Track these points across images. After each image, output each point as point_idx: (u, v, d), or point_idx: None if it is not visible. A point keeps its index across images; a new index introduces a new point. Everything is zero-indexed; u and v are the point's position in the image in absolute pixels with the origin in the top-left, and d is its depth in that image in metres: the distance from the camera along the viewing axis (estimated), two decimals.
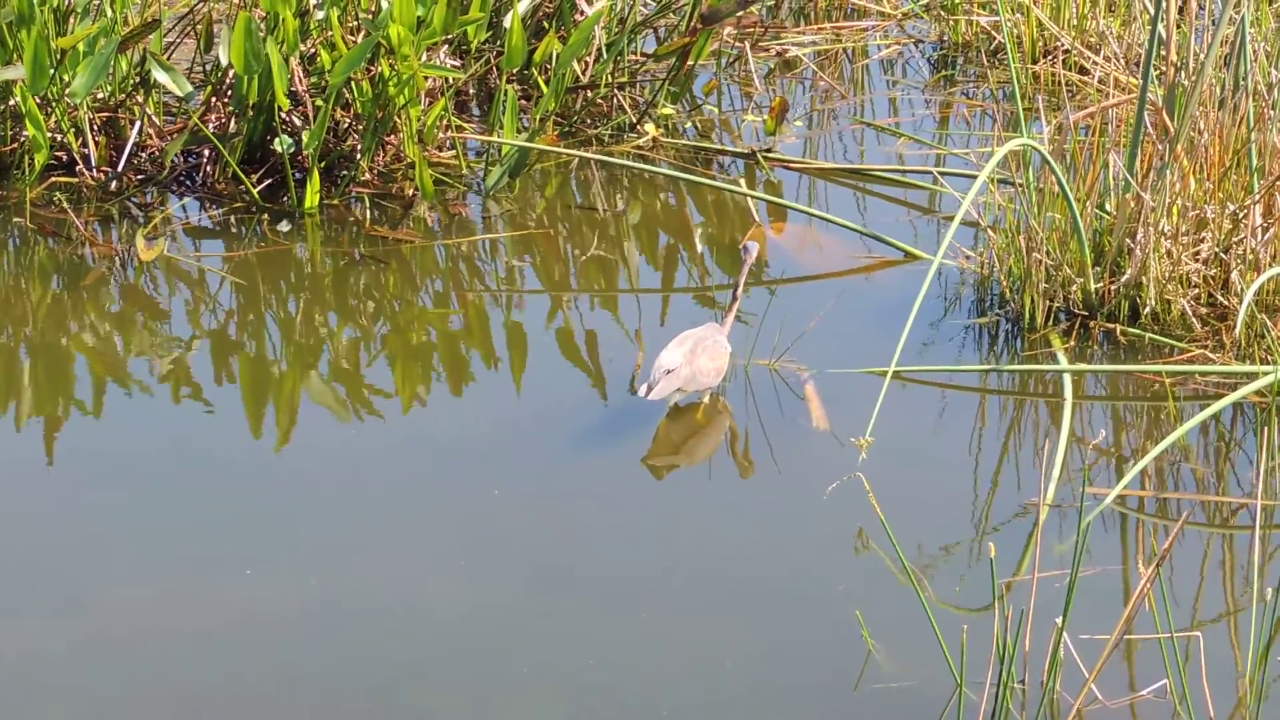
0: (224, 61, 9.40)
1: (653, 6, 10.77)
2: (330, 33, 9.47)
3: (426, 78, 9.48)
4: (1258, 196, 8.19)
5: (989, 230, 8.53)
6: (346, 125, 9.68)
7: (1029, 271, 8.32)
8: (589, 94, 10.45)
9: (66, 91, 9.33)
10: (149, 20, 9.48)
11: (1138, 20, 10.52)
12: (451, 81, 9.82)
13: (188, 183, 9.75)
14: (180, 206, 9.59)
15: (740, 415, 7.75)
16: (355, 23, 9.85)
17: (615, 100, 10.45)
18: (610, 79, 10.43)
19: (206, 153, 9.68)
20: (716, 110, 10.93)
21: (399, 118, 9.54)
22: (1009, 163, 8.53)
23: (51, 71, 9.28)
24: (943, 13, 11.83)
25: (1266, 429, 7.57)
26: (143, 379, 8.12)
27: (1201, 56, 8.31)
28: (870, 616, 6.30)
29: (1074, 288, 8.34)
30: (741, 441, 7.59)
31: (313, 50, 9.67)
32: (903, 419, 7.67)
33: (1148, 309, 8.27)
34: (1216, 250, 8.27)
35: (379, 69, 9.43)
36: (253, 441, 7.62)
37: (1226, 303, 8.25)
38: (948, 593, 6.55)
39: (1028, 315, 8.35)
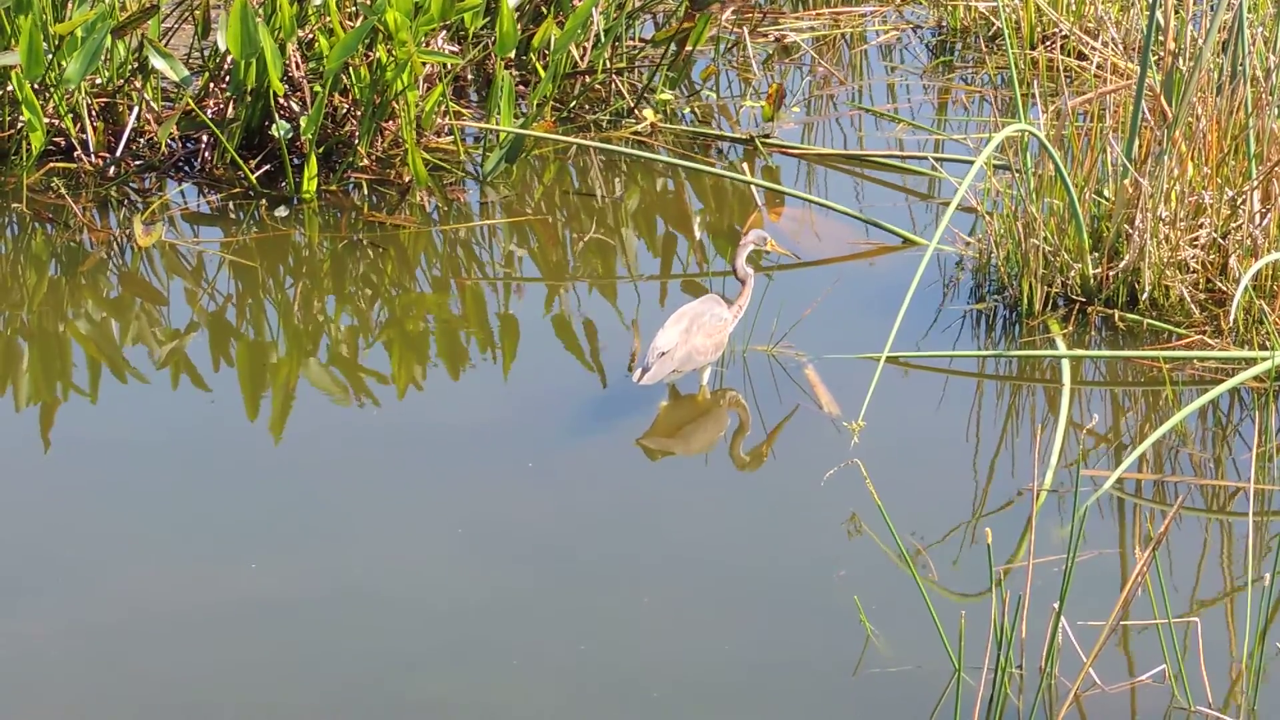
0: (221, 47, 9.40)
1: None
2: (328, 18, 9.46)
3: (424, 63, 9.47)
4: (1256, 182, 8.19)
5: (987, 216, 8.52)
6: (345, 111, 9.68)
7: (1027, 257, 8.32)
8: (587, 79, 10.44)
9: (61, 78, 9.32)
10: (146, 6, 9.48)
11: (1136, 6, 10.51)
12: (449, 67, 9.81)
13: (186, 168, 9.75)
14: (178, 192, 9.58)
15: (738, 404, 7.76)
16: (354, 8, 9.84)
17: (613, 86, 10.44)
18: (608, 64, 10.42)
19: (205, 138, 9.68)
20: (715, 96, 10.93)
21: (397, 103, 9.54)
22: (1007, 148, 8.53)
23: (49, 57, 9.28)
24: None
25: (1263, 414, 7.58)
26: (141, 365, 8.12)
27: (1200, 42, 8.30)
28: (868, 601, 6.30)
29: (1072, 273, 8.34)
30: (744, 435, 7.58)
31: (311, 36, 9.66)
32: (901, 404, 7.67)
33: (1146, 294, 8.27)
34: (1214, 236, 8.27)
35: (377, 54, 9.43)
36: (251, 427, 7.62)
37: (1224, 288, 8.25)
38: (945, 578, 6.55)
39: (1026, 301, 8.35)
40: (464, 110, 10.28)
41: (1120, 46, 10.39)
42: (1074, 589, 5.83)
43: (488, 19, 10.24)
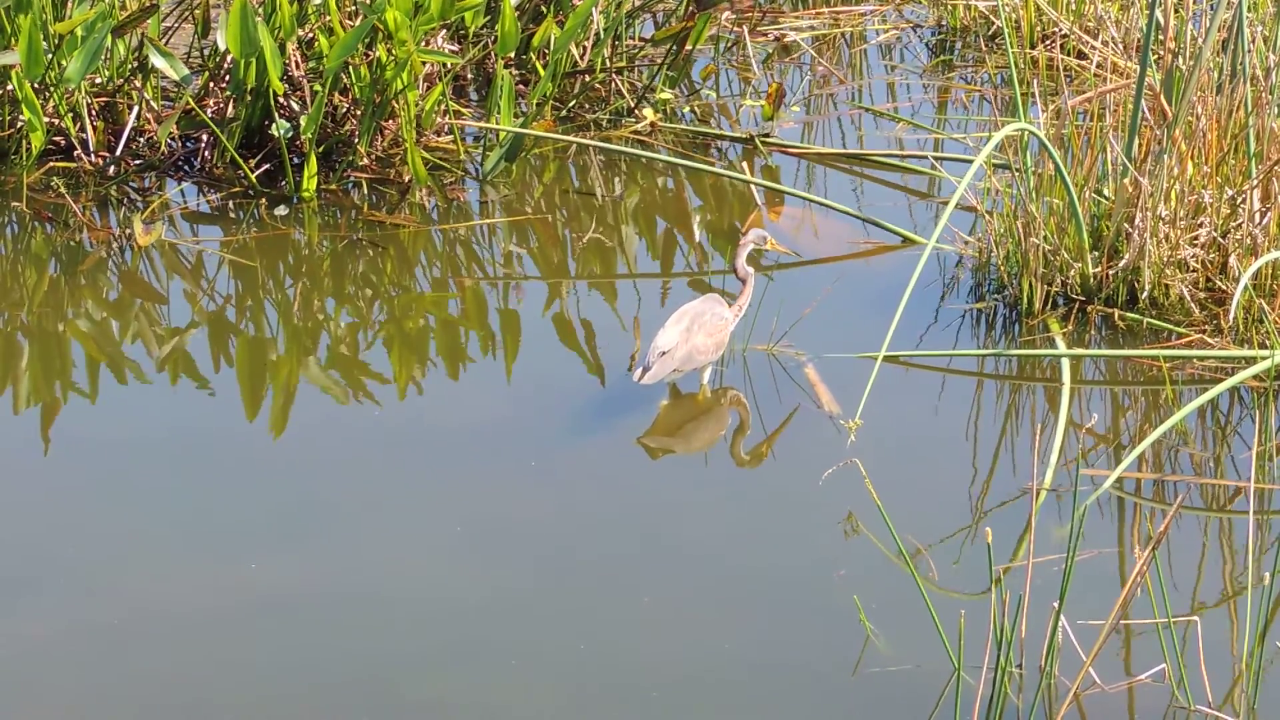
0: (221, 46, 9.40)
1: None
2: (328, 17, 9.46)
3: (424, 62, 9.47)
4: (1255, 181, 8.19)
5: (986, 215, 8.53)
6: (344, 110, 9.68)
7: (1026, 256, 8.32)
8: (587, 78, 10.44)
9: (61, 77, 9.32)
10: (146, 5, 9.48)
11: (1136, 5, 10.51)
12: (449, 66, 9.81)
13: (186, 168, 9.75)
14: (178, 191, 9.58)
15: (739, 402, 7.76)
16: (353, 7, 9.84)
17: (613, 85, 10.44)
18: (608, 63, 10.42)
19: (205, 137, 9.68)
20: (715, 95, 10.93)
21: (396, 102, 9.54)
22: (1007, 147, 8.53)
23: (48, 57, 9.28)
24: None
25: (1263, 413, 7.58)
26: (140, 364, 8.12)
27: (1199, 41, 8.30)
28: (868, 601, 6.30)
29: (1071, 272, 8.35)
30: (744, 434, 7.58)
31: (311, 35, 9.66)
32: (900, 404, 7.67)
33: (1145, 293, 8.27)
34: (1214, 235, 8.27)
35: (376, 54, 9.43)
36: (251, 426, 7.62)
37: (1224, 287, 8.25)
38: (945, 577, 6.55)
39: (1025, 300, 8.35)
40: (464, 109, 10.28)
41: (1120, 45, 10.39)
42: (1074, 588, 5.83)
43: (488, 18, 10.24)
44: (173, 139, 9.75)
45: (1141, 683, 6.00)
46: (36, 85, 9.47)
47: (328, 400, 7.83)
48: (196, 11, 9.86)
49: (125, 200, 9.51)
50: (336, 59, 9.19)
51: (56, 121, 9.61)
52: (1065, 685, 5.94)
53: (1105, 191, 8.44)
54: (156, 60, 9.33)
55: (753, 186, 9.79)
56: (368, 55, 9.52)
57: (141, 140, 9.74)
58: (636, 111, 10.35)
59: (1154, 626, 5.99)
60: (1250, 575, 6.46)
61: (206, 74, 9.71)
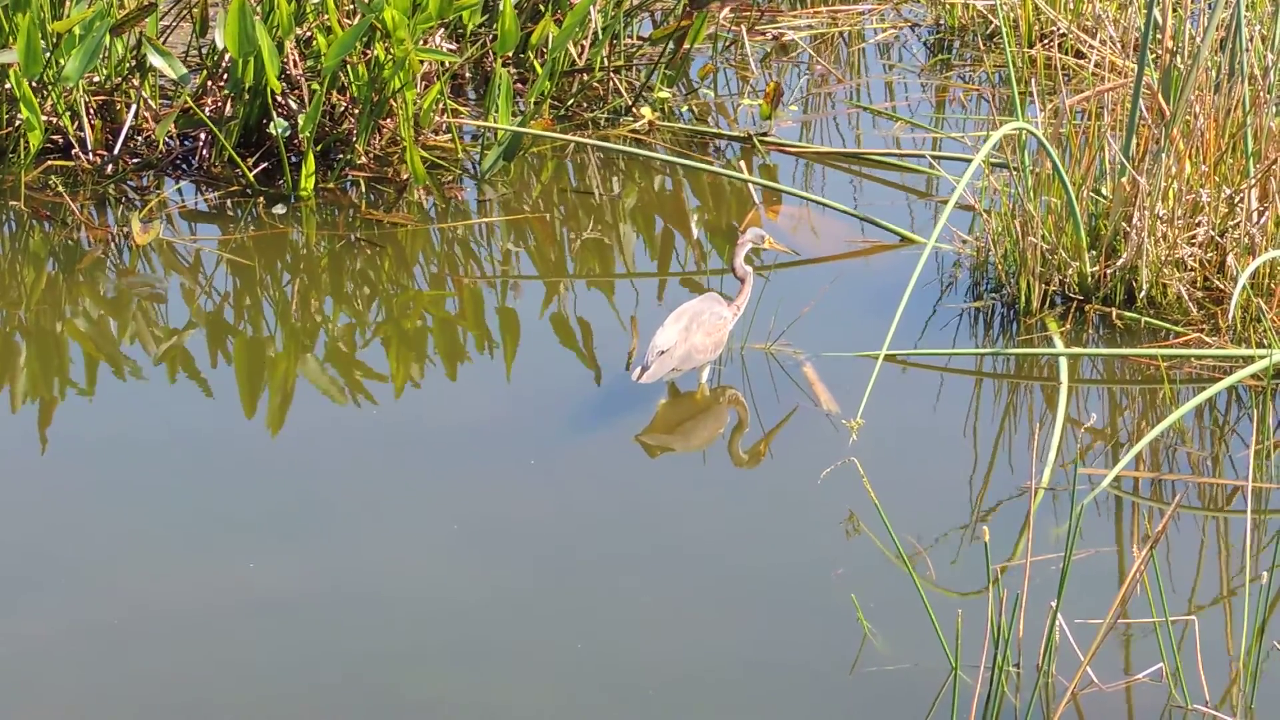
0: (219, 45, 9.40)
1: None
2: (326, 16, 9.47)
3: (422, 61, 9.48)
4: (1253, 180, 8.20)
5: (985, 214, 8.53)
6: (342, 109, 9.68)
7: (1024, 255, 8.33)
8: (585, 77, 10.45)
9: (60, 76, 9.32)
10: (144, 3, 9.48)
11: (1134, 3, 10.52)
12: (447, 65, 9.82)
13: (184, 166, 9.75)
14: (176, 190, 9.59)
15: (737, 401, 7.76)
16: (351, 6, 9.84)
17: (611, 84, 10.45)
18: (606, 62, 10.43)
19: (203, 136, 9.69)
20: (713, 94, 10.93)
21: (394, 101, 9.55)
22: (1005, 146, 8.53)
23: (46, 55, 9.28)
24: None
25: (1261, 412, 7.58)
26: (138, 362, 8.13)
27: (1197, 40, 8.31)
28: (866, 600, 6.31)
29: (1069, 271, 8.35)
30: (742, 433, 7.58)
31: (309, 34, 9.67)
32: (898, 402, 7.68)
33: (1143, 292, 8.28)
34: (1212, 234, 8.28)
35: (374, 52, 9.43)
36: (249, 425, 7.62)
37: (1222, 286, 8.25)
38: (943, 576, 6.56)
39: (1023, 299, 8.36)
40: (462, 108, 10.28)
41: (1118, 44, 10.39)
42: (1071, 587, 5.84)
43: (485, 17, 10.24)
44: (171, 138, 9.75)
45: (1139, 681, 6.01)
46: (34, 84, 9.47)
47: (326, 399, 7.84)
48: (194, 10, 9.86)
49: (123, 199, 9.51)
50: (334, 58, 9.19)
51: (54, 120, 9.62)
52: (1063, 684, 5.94)
53: (1103, 190, 8.44)
54: (154, 59, 9.33)
55: (751, 185, 9.79)
56: (366, 54, 9.53)
57: (139, 139, 9.74)
58: (634, 110, 10.35)
59: (1152, 625, 6.00)
60: (1247, 574, 6.47)
61: (204, 73, 9.71)
